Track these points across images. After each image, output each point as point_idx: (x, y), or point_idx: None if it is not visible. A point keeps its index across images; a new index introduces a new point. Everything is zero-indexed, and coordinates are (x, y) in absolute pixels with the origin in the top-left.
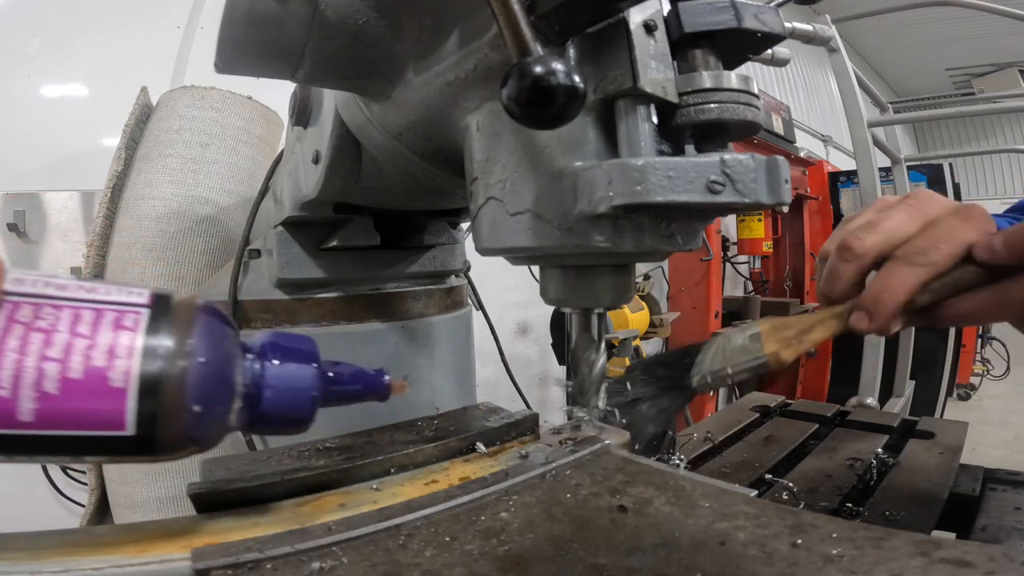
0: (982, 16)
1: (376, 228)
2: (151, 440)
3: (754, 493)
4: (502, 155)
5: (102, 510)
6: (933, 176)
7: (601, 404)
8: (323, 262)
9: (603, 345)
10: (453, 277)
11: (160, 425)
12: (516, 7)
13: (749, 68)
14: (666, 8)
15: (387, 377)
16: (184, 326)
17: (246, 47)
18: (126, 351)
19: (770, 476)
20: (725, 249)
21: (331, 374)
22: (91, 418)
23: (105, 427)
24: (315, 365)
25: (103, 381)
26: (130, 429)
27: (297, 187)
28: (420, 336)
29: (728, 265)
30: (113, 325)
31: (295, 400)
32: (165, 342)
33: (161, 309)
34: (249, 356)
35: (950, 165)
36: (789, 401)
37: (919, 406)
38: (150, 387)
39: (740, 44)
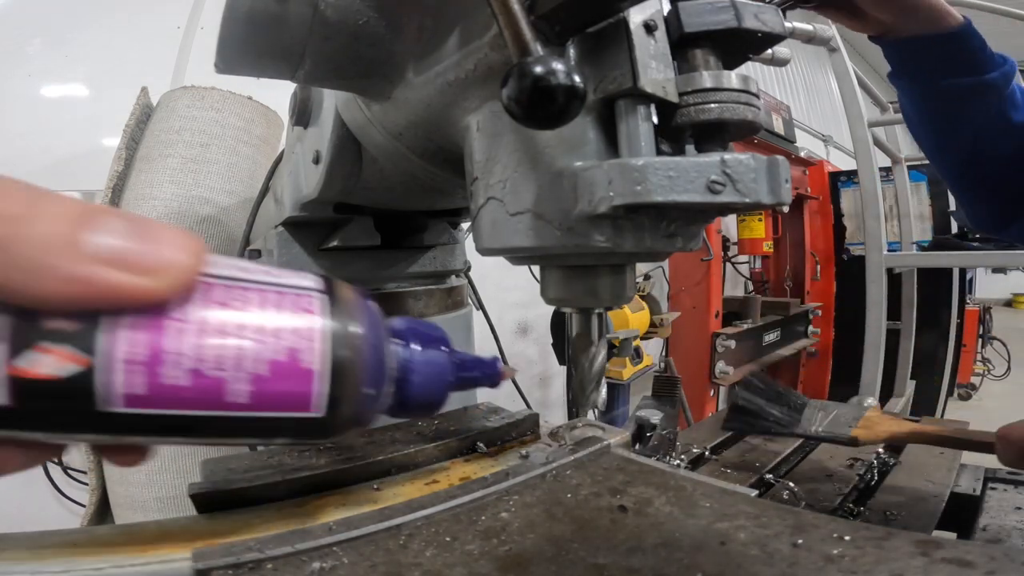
0: (982, 16)
1: (376, 228)
2: (333, 421)
3: (755, 493)
4: (502, 155)
5: (102, 510)
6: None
7: (600, 404)
8: (323, 262)
9: (603, 344)
10: (453, 277)
11: (342, 406)
12: (516, 7)
13: (749, 68)
14: (666, 8)
15: (500, 364)
16: (354, 311)
17: (246, 47)
18: (316, 334)
19: (770, 476)
20: (725, 249)
21: (459, 361)
22: (291, 399)
23: (301, 408)
24: (449, 352)
25: (299, 363)
26: (321, 410)
27: (297, 187)
28: None
29: (728, 265)
30: (298, 307)
31: (435, 385)
32: (345, 326)
33: (333, 294)
34: (396, 341)
35: None
36: None
37: (920, 406)
38: (338, 369)
39: (740, 44)
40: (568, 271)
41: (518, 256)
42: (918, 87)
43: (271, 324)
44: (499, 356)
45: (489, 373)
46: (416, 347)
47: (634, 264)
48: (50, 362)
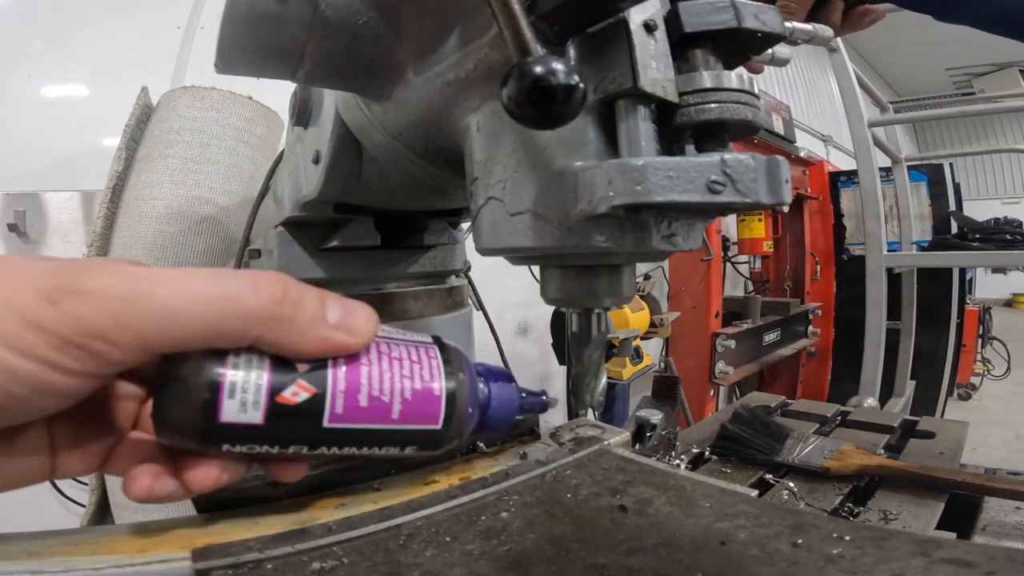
0: None
1: (376, 228)
2: (446, 433)
3: (755, 493)
4: (502, 155)
5: (102, 510)
6: (933, 176)
7: (599, 404)
8: (323, 262)
9: (603, 344)
10: (453, 277)
11: (453, 422)
12: (516, 7)
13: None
14: (666, 8)
15: (547, 396)
16: (456, 357)
17: (246, 47)
18: (437, 372)
19: (770, 476)
20: (725, 249)
21: (522, 392)
22: (422, 415)
23: (430, 422)
24: (516, 386)
25: (430, 391)
26: (440, 424)
27: (297, 187)
28: None
29: (728, 265)
30: (426, 355)
31: (507, 409)
32: (452, 367)
33: (441, 345)
34: (480, 378)
35: (950, 165)
36: (790, 401)
37: (919, 406)
38: (450, 395)
39: (740, 44)
40: (568, 271)
41: (518, 256)
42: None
43: (414, 366)
44: (544, 389)
45: (542, 403)
46: (493, 382)
47: (634, 265)
48: (299, 392)
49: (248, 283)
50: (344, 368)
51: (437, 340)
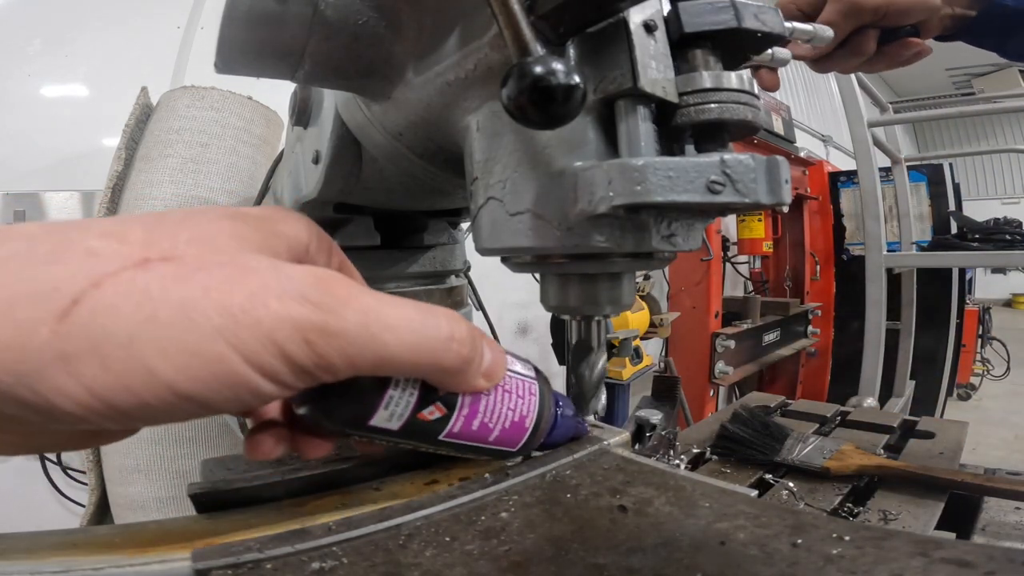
0: None
1: (376, 228)
2: (516, 453)
3: (754, 493)
4: (502, 155)
5: (102, 510)
6: (933, 176)
7: (600, 410)
8: None
9: (603, 351)
10: (453, 277)
11: (527, 446)
12: (516, 7)
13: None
14: (666, 8)
15: (586, 423)
16: (547, 389)
17: (246, 47)
18: (533, 408)
19: (770, 476)
20: (725, 249)
21: (576, 417)
22: (509, 441)
23: (511, 446)
24: (574, 411)
25: (522, 423)
26: (518, 449)
27: (297, 187)
28: None
29: (728, 265)
30: (527, 391)
31: (562, 438)
32: (544, 401)
33: (540, 378)
34: (557, 407)
35: (950, 165)
36: (789, 401)
37: (919, 406)
38: (535, 427)
39: (740, 44)
40: (568, 279)
41: (517, 264)
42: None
43: (518, 400)
44: (584, 418)
45: (586, 429)
46: (563, 414)
47: (633, 272)
48: (434, 412)
49: (445, 336)
50: (467, 398)
51: (538, 374)
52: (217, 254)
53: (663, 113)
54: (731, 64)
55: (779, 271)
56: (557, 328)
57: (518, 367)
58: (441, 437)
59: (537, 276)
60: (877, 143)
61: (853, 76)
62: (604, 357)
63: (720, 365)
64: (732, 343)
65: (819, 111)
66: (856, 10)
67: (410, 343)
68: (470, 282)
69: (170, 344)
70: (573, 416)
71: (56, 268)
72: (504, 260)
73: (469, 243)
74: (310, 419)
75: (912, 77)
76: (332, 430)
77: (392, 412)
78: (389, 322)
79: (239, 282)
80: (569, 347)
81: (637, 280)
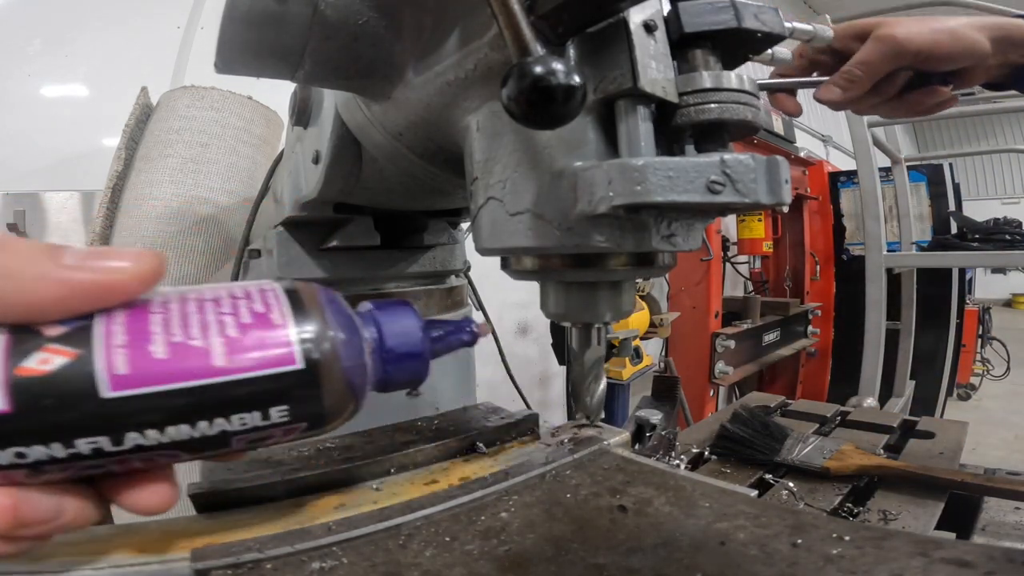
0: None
1: (376, 228)
2: (317, 379)
3: (754, 493)
4: (502, 155)
5: None
6: (933, 176)
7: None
8: (323, 262)
9: (603, 357)
10: (453, 277)
11: (324, 365)
12: (516, 7)
13: (750, 68)
14: (666, 8)
15: (474, 326)
16: (310, 287)
17: (246, 47)
18: (276, 301)
19: (770, 476)
20: (725, 249)
21: (434, 333)
22: (268, 358)
23: (279, 363)
24: (418, 319)
25: (267, 321)
26: (303, 362)
27: (297, 187)
28: None
29: (728, 265)
30: (258, 291)
31: (409, 349)
32: (303, 294)
33: (287, 284)
34: (363, 313)
35: (950, 165)
36: (789, 401)
37: (919, 406)
38: (304, 323)
39: (740, 44)
40: (568, 287)
41: (518, 271)
42: None
43: (239, 302)
44: (471, 318)
45: (468, 333)
46: (382, 315)
47: (634, 280)
48: (49, 359)
49: None
50: (121, 318)
51: (283, 282)
52: None
53: (663, 113)
54: (731, 64)
55: (779, 271)
56: (557, 328)
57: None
58: (112, 393)
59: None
60: (877, 143)
61: None
62: (602, 362)
63: (720, 365)
64: (732, 343)
65: (819, 111)
66: (898, 52)
67: None
68: (470, 282)
69: None
70: (411, 319)
71: None
72: (504, 268)
73: (469, 243)
74: None
75: None
76: None
77: None
78: None
79: None
80: (569, 348)
81: (637, 280)
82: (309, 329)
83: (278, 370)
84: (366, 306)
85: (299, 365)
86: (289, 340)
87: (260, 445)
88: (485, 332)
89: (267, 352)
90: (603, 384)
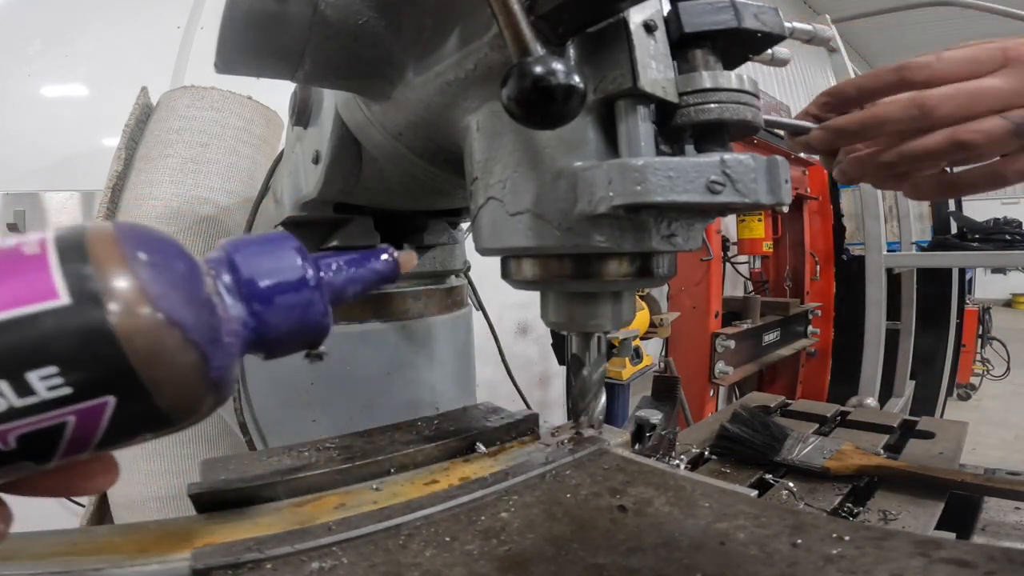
0: (982, 16)
1: (376, 228)
2: (103, 318)
3: (754, 493)
4: (502, 155)
5: (102, 510)
6: None
7: (599, 421)
8: None
9: (603, 364)
10: (453, 277)
11: (110, 295)
12: (516, 7)
13: (749, 68)
14: (666, 8)
15: (390, 253)
16: (101, 227)
17: (246, 47)
18: (38, 235)
19: (770, 476)
20: (725, 249)
21: (329, 263)
22: (17, 288)
23: (37, 297)
24: (296, 247)
25: (17, 253)
26: (69, 296)
27: (297, 187)
28: (420, 336)
29: (728, 265)
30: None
31: (290, 288)
32: (80, 227)
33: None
34: (213, 263)
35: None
36: (789, 401)
37: (919, 406)
38: (71, 246)
39: (740, 44)
40: (568, 296)
41: (518, 281)
42: None
43: None
44: (387, 246)
45: (379, 263)
46: (242, 248)
47: (634, 290)
48: None
49: None
50: None
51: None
52: None
53: (663, 113)
54: (731, 64)
55: (779, 271)
56: None
57: None
58: None
59: None
60: None
61: (852, 73)
62: (603, 371)
63: (720, 365)
64: (732, 343)
65: None
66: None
67: None
68: (470, 282)
69: None
70: (288, 248)
71: None
72: (504, 277)
73: (469, 243)
74: None
75: None
76: None
77: None
78: None
79: None
80: (570, 363)
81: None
82: (80, 258)
83: (36, 307)
84: (219, 243)
85: (63, 300)
86: (46, 269)
87: (45, 457)
88: (409, 262)
89: (15, 283)
90: (603, 400)
